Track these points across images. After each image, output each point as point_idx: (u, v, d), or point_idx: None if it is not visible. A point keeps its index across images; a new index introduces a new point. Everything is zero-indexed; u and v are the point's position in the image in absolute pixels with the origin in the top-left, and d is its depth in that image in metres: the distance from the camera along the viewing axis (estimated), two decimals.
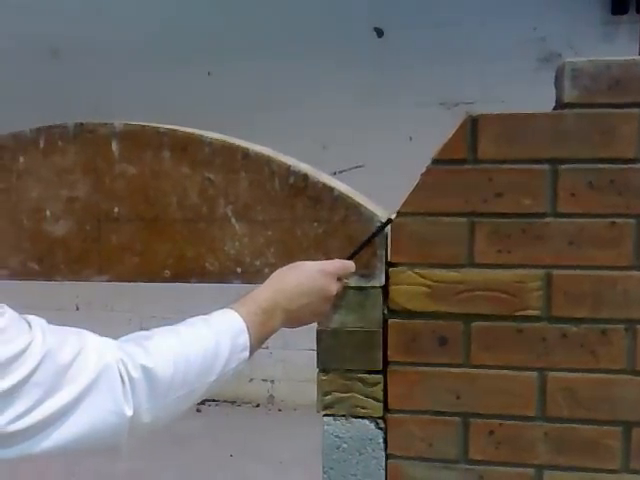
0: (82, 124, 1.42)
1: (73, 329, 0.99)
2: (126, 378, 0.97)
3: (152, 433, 1.03)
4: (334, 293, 1.28)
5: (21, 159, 1.43)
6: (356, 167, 3.95)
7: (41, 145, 1.42)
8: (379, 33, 4.26)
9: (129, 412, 0.97)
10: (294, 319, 1.25)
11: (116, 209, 1.42)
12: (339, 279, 1.30)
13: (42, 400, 0.90)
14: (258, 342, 1.17)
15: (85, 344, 0.96)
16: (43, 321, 0.97)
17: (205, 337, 1.10)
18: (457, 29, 4.10)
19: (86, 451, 0.97)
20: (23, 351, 0.89)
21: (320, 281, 1.26)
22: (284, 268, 1.28)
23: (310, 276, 1.25)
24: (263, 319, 1.18)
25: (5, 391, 0.87)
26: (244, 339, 1.14)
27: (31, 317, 0.96)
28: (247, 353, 1.14)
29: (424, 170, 1.32)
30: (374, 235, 1.34)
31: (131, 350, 1.00)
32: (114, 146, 1.41)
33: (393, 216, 1.34)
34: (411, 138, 4.16)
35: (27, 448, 0.90)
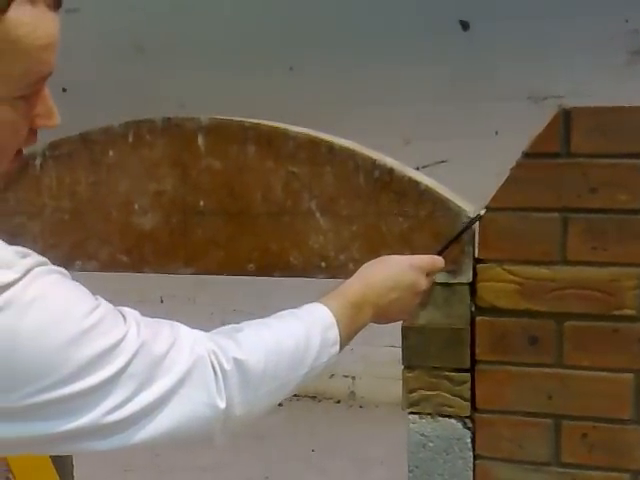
0: (169, 118, 1.44)
1: (166, 321, 0.99)
2: (218, 370, 0.96)
3: (243, 427, 1.02)
4: (423, 289, 1.24)
5: (110, 153, 1.46)
6: (439, 162, 3.89)
7: (130, 139, 1.45)
8: (464, 26, 4.18)
9: (222, 404, 0.96)
10: (383, 314, 1.23)
11: (202, 203, 1.43)
12: (428, 275, 1.26)
13: (137, 392, 0.89)
14: (347, 337, 1.15)
15: (178, 336, 0.96)
16: (137, 313, 0.97)
17: (296, 330, 1.09)
18: (545, 22, 3.99)
19: (179, 443, 0.97)
20: (119, 343, 0.88)
21: (410, 276, 1.22)
22: (373, 262, 1.25)
23: (400, 271, 1.22)
24: (352, 313, 1.16)
25: (101, 382, 0.87)
26: (334, 333, 1.12)
27: (125, 309, 0.96)
28: (337, 347, 1.13)
29: (514, 164, 1.29)
30: (464, 230, 1.30)
31: (223, 342, 1.00)
32: (200, 140, 1.42)
33: (483, 212, 1.31)
34: (497, 132, 4.07)
35: (122, 440, 0.90)
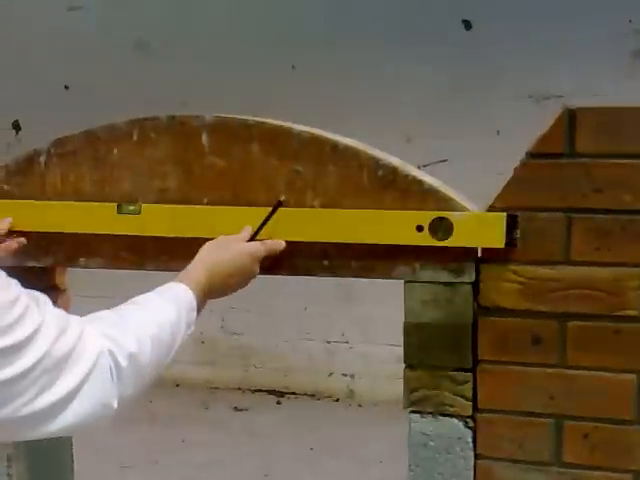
0: (174, 116, 1.44)
1: (67, 314, 1.02)
2: (114, 369, 1.01)
3: None
4: (256, 275, 1.37)
5: (115, 150, 1.46)
6: (440, 161, 3.89)
7: (134, 137, 1.45)
8: (467, 25, 4.18)
9: (115, 403, 1.01)
10: (217, 296, 1.33)
11: (205, 200, 1.43)
12: (261, 260, 1.36)
13: (48, 386, 0.93)
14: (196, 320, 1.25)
15: (82, 332, 0.99)
16: (48, 299, 1.00)
17: (170, 315, 1.16)
18: (548, 21, 3.99)
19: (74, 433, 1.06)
20: (33, 335, 0.92)
21: (246, 263, 1.34)
22: (214, 245, 1.35)
23: (241, 258, 1.33)
24: (201, 297, 1.26)
25: (16, 376, 0.90)
26: (194, 315, 1.22)
27: (39, 295, 0.99)
28: (193, 329, 1.22)
29: (518, 164, 1.29)
30: (271, 215, 1.37)
31: (117, 336, 1.04)
32: (204, 138, 1.42)
33: (282, 197, 1.36)
34: (499, 132, 4.08)
35: (29, 433, 0.96)
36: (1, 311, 0.89)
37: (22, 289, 0.96)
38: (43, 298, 0.99)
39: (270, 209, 1.38)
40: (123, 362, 1.02)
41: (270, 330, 4.69)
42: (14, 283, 0.96)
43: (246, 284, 1.37)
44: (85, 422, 0.99)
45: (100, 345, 1.00)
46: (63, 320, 0.98)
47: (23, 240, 1.47)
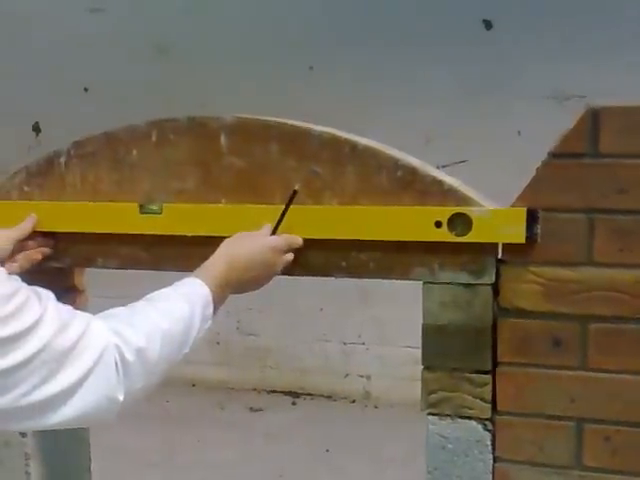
0: (193, 117, 1.44)
1: (75, 310, 1.03)
2: (120, 364, 1.01)
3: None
4: (279, 269, 1.35)
5: (134, 151, 1.46)
6: (460, 162, 3.87)
7: (153, 138, 1.45)
8: (487, 25, 4.15)
9: (121, 396, 1.01)
10: (239, 291, 1.32)
11: (223, 201, 1.43)
12: (285, 253, 1.35)
13: (47, 379, 0.94)
14: (214, 313, 1.24)
15: (88, 327, 1.00)
16: (52, 295, 1.01)
17: (183, 312, 1.16)
18: (569, 20, 3.96)
19: (80, 426, 1.05)
20: (33, 326, 0.93)
21: (269, 256, 1.32)
22: (235, 240, 1.34)
23: (261, 251, 1.32)
24: (219, 291, 1.25)
25: (15, 365, 0.91)
26: (211, 310, 1.22)
27: (41, 291, 1.00)
28: (210, 323, 1.22)
29: (540, 164, 1.28)
30: (289, 204, 1.36)
31: (125, 332, 1.04)
32: (223, 139, 1.42)
33: (297, 186, 1.36)
34: (519, 132, 4.05)
35: (31, 424, 0.98)
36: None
37: (23, 284, 0.97)
38: (45, 293, 1.00)
39: (286, 201, 1.37)
40: (130, 357, 1.02)
41: (286, 331, 4.69)
42: (14, 278, 0.97)
43: (270, 277, 1.35)
44: (87, 416, 1.00)
45: (106, 340, 1.01)
46: (67, 315, 0.99)
47: (47, 250, 1.48)
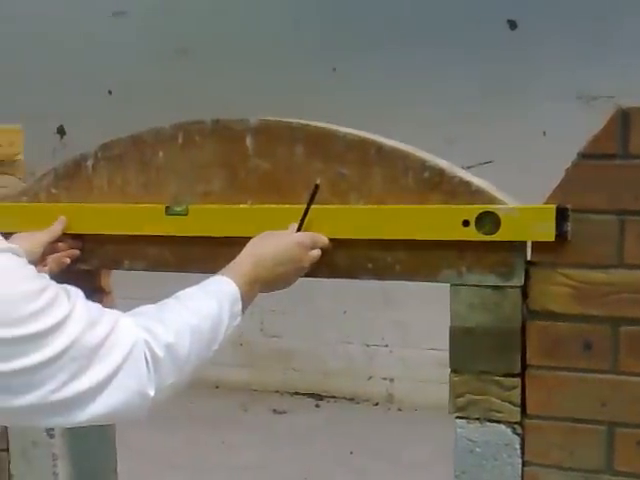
0: (218, 120, 1.44)
1: (104, 308, 1.03)
2: (150, 359, 1.01)
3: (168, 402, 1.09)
4: (307, 265, 1.35)
5: (160, 154, 1.47)
6: (485, 163, 3.84)
7: (179, 140, 1.45)
8: (512, 25, 4.13)
9: (152, 392, 1.01)
10: (269, 288, 1.33)
11: (249, 203, 1.43)
12: (312, 249, 1.35)
13: (75, 376, 0.94)
14: (244, 311, 1.24)
15: (116, 324, 1.00)
16: (81, 293, 1.01)
17: (211, 309, 1.16)
18: (596, 21, 3.92)
19: (111, 422, 1.09)
20: (62, 322, 0.93)
21: (295, 252, 1.32)
22: (261, 237, 1.34)
23: (287, 248, 1.32)
24: (247, 289, 1.25)
25: (42, 362, 0.91)
26: (239, 307, 1.22)
27: (70, 288, 1.00)
28: (239, 320, 1.22)
29: (569, 165, 1.26)
30: (312, 199, 1.35)
31: (154, 328, 1.04)
32: (248, 141, 1.42)
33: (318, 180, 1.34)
34: (545, 133, 4.02)
35: (60, 420, 0.97)
36: (29, 299, 0.91)
37: (52, 282, 0.97)
38: (74, 290, 1.00)
39: (309, 197, 1.36)
40: (160, 352, 1.03)
41: (309, 333, 4.69)
42: (43, 276, 0.97)
43: (298, 274, 1.35)
44: (118, 412, 0.99)
45: (135, 336, 1.01)
46: (95, 312, 0.99)
47: (76, 253, 1.49)
